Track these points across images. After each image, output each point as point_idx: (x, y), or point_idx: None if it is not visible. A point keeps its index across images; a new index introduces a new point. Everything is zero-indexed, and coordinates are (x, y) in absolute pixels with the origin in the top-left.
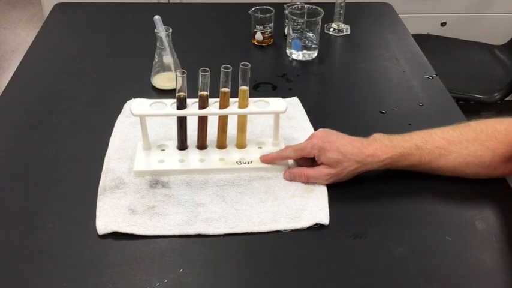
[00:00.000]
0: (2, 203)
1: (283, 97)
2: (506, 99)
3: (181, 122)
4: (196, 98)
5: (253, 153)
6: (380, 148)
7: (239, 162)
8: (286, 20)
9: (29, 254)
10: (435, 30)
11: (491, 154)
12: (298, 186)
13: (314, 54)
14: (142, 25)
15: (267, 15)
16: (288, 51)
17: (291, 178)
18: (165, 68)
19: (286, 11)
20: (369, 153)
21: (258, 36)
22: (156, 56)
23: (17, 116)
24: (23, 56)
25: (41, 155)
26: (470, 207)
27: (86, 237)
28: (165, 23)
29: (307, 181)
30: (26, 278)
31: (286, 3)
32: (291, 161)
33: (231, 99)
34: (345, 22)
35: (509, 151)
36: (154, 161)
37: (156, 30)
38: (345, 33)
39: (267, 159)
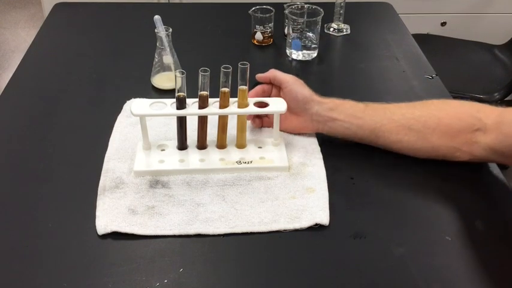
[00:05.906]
0: (2, 203)
1: None
2: (506, 99)
3: (181, 122)
4: (196, 98)
5: (253, 153)
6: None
7: (239, 162)
8: (286, 20)
9: (29, 254)
10: (435, 30)
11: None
12: (299, 186)
13: (314, 54)
14: (142, 25)
15: (267, 15)
16: (288, 51)
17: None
18: (165, 68)
19: (286, 11)
20: (318, 100)
21: (258, 36)
22: (156, 56)
23: (17, 116)
24: (23, 56)
25: (41, 155)
26: (470, 207)
27: (86, 237)
28: (165, 23)
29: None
30: (26, 278)
31: (286, 3)
32: (290, 162)
33: (231, 99)
34: (345, 22)
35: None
36: (154, 161)
37: (156, 30)
38: (344, 33)
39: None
